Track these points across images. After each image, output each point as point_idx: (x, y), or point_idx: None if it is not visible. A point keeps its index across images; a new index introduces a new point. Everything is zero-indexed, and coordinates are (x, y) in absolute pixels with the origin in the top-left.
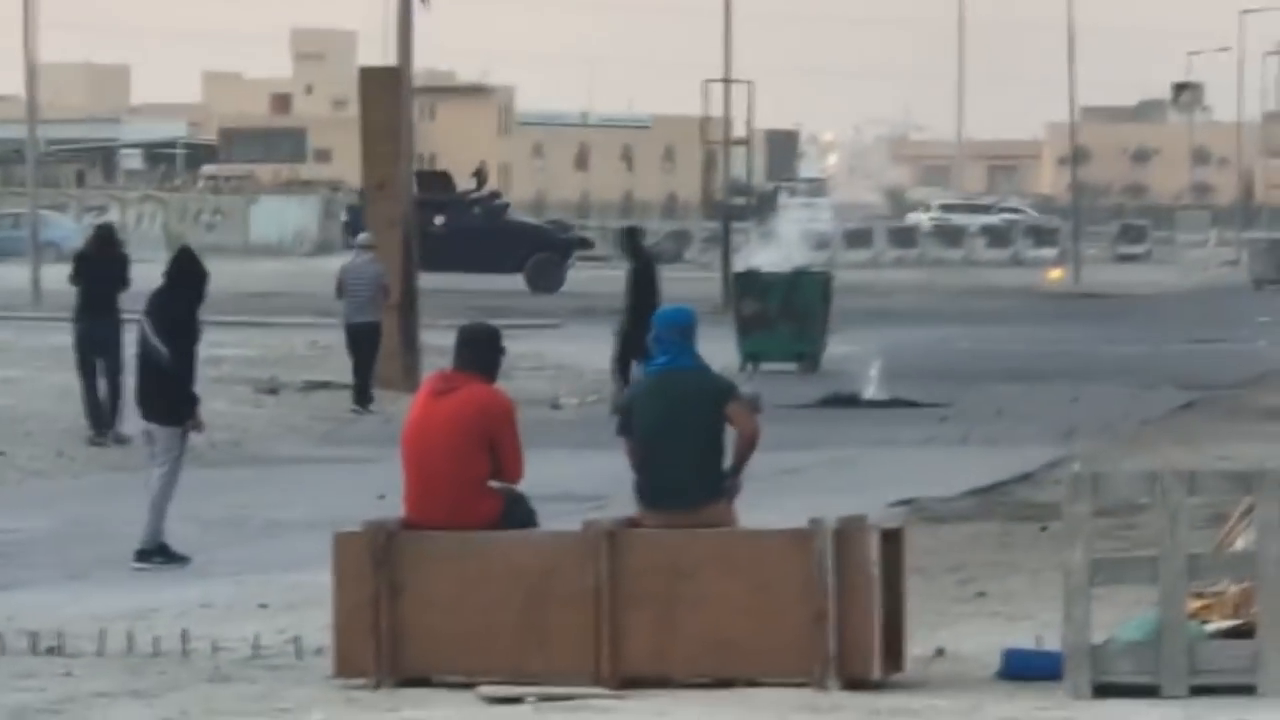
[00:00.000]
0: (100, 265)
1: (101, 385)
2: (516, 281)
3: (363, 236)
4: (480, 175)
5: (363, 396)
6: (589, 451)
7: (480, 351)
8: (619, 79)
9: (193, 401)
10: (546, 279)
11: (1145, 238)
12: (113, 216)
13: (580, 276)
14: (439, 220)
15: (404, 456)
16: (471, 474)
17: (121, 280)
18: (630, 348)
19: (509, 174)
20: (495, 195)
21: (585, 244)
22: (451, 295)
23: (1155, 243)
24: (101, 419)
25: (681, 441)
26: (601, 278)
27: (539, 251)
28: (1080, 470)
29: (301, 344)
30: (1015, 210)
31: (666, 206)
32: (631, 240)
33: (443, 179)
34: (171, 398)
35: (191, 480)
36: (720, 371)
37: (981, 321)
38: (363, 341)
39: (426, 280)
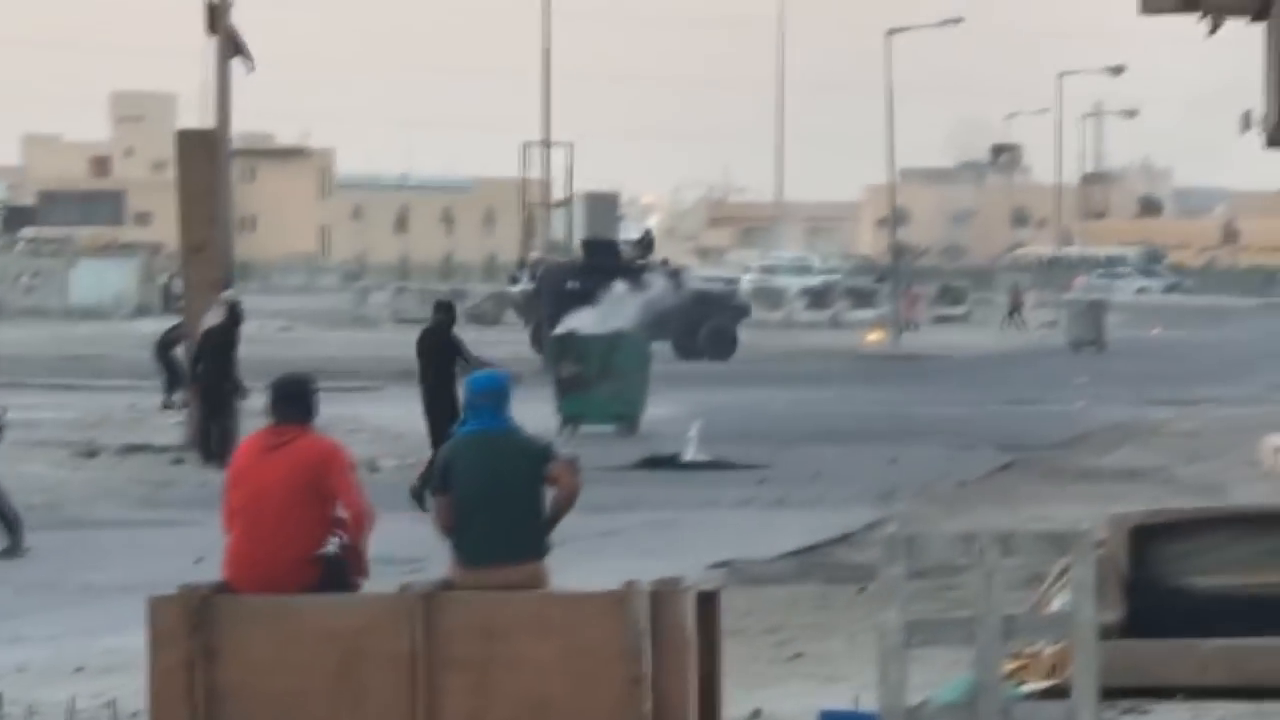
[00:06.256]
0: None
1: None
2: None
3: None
4: (645, 242)
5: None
6: (406, 514)
7: (302, 401)
8: (439, 142)
9: None
10: (720, 346)
11: (964, 299)
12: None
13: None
14: (620, 288)
15: (232, 517)
16: (307, 530)
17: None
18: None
19: (328, 236)
20: (664, 263)
21: (746, 312)
22: None
23: (974, 303)
24: None
25: (502, 502)
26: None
27: (712, 318)
28: (895, 531)
29: (120, 407)
30: (831, 271)
31: (487, 269)
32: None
33: (608, 246)
34: None
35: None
36: (536, 433)
37: (800, 383)
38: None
39: None
